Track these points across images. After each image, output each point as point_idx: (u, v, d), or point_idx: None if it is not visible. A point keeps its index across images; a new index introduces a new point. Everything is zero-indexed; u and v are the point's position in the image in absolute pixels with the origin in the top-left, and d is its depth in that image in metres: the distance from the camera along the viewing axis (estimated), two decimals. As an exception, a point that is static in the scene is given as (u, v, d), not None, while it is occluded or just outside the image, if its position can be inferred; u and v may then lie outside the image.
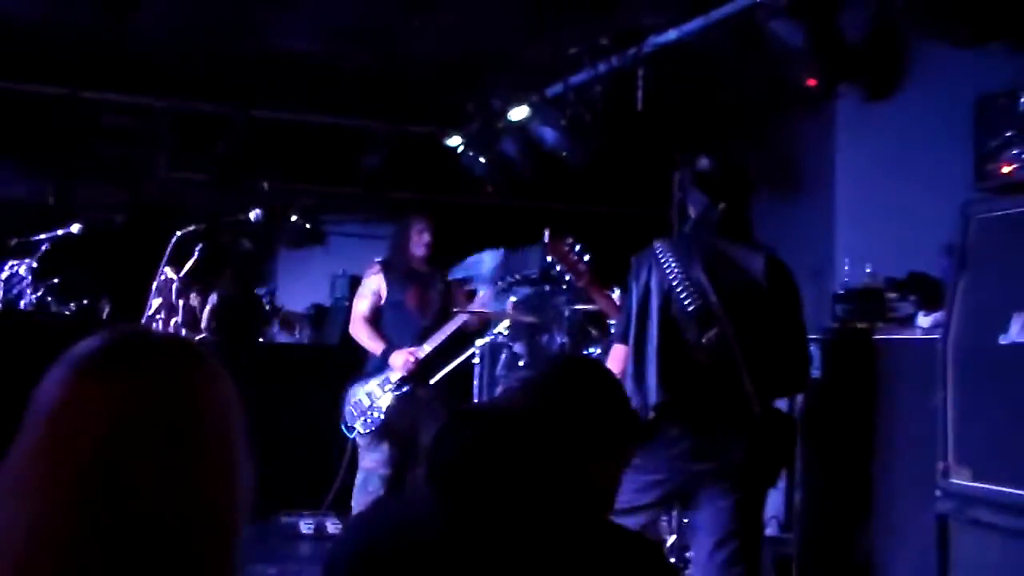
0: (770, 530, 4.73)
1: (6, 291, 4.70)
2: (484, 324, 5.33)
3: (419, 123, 7.09)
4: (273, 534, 5.86)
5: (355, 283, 5.59)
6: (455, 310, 5.12)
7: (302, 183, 7.63)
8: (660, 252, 3.49)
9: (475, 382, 5.49)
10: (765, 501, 3.57)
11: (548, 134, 5.98)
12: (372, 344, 5.06)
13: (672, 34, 5.15)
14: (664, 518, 4.33)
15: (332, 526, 6.00)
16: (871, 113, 5.35)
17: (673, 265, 3.43)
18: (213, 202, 6.74)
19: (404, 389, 4.96)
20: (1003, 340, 3.38)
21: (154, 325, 4.12)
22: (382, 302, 5.14)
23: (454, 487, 1.61)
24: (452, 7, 5.21)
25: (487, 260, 5.19)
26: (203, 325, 6.85)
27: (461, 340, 5.21)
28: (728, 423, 3.35)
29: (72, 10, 5.42)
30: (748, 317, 3.37)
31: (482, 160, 6.59)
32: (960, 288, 3.60)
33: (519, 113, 6.22)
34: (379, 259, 5.30)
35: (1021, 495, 3.27)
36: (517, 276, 5.03)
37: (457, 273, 5.20)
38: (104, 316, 5.85)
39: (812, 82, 4.66)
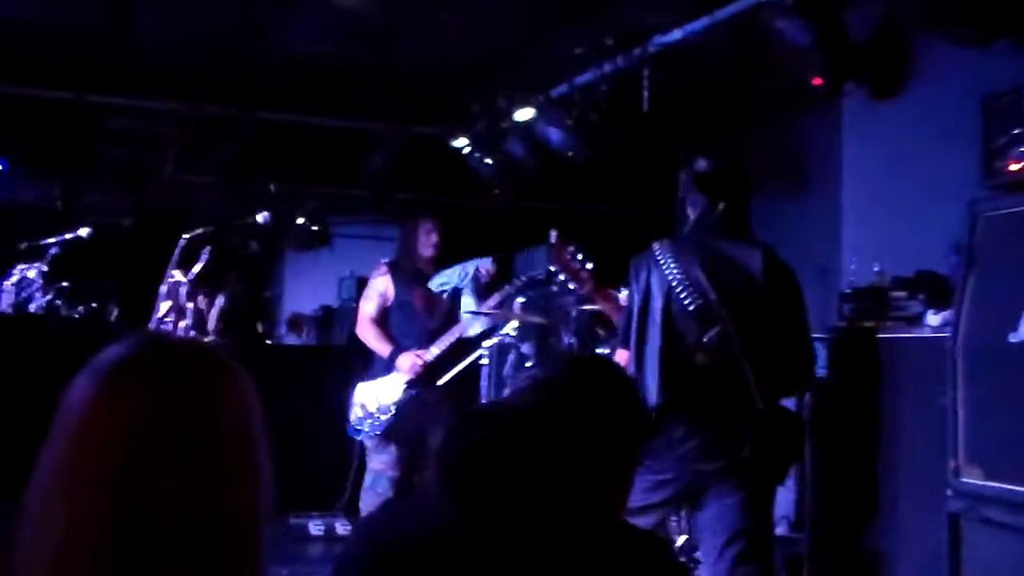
0: (781, 529, 4.73)
1: (17, 295, 4.72)
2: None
3: (425, 124, 7.08)
4: (283, 535, 5.87)
5: (362, 284, 5.60)
6: (467, 311, 5.13)
7: (308, 185, 7.64)
8: (659, 253, 3.50)
9: (483, 383, 5.49)
10: (774, 498, 3.57)
11: (554, 134, 5.97)
12: (379, 346, 5.06)
13: (677, 34, 5.15)
14: (674, 518, 4.33)
15: (342, 527, 6.01)
16: (877, 112, 5.34)
17: (672, 266, 3.44)
18: (220, 205, 6.76)
19: (411, 391, 4.96)
20: (1012, 338, 3.37)
21: (163, 328, 4.13)
22: (389, 303, 5.14)
23: (464, 488, 1.61)
24: (457, 8, 5.22)
25: (469, 269, 5.19)
26: (210, 327, 6.87)
27: (468, 341, 5.21)
28: (733, 421, 3.35)
29: (78, 14, 5.43)
30: (748, 315, 3.38)
31: (488, 161, 6.59)
32: (969, 286, 3.59)
33: (525, 114, 6.21)
34: (386, 260, 5.30)
35: (1032, 493, 3.27)
36: (524, 279, 5.03)
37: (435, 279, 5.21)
38: (112, 319, 5.87)
39: (818, 81, 4.65)
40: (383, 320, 5.14)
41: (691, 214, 3.63)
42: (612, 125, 5.76)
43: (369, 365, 5.18)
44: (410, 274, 5.17)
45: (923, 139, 5.02)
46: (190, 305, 4.19)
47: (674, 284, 3.42)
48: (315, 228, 7.77)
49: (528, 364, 5.49)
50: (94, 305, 5.29)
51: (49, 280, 4.87)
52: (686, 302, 3.39)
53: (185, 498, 1.02)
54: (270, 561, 1.10)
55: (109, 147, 6.58)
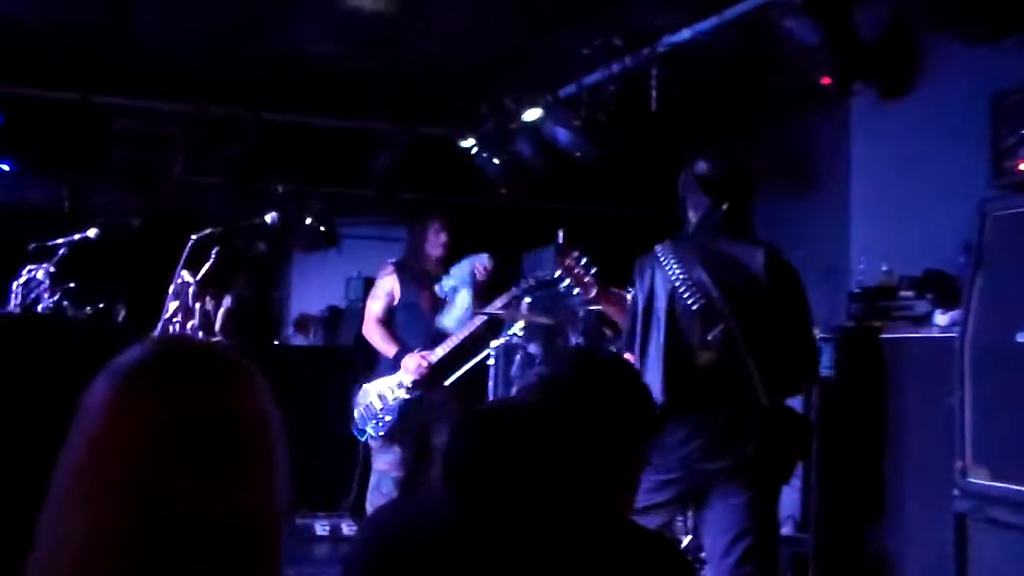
0: (786, 529, 4.72)
1: (25, 295, 4.73)
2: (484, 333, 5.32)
3: (432, 124, 7.09)
4: (288, 535, 5.86)
5: (369, 285, 5.61)
6: (474, 312, 5.13)
7: (316, 186, 7.65)
8: (661, 254, 3.52)
9: (490, 383, 5.49)
10: (779, 497, 3.57)
11: (562, 134, 5.97)
12: (385, 346, 5.06)
13: (686, 33, 5.14)
14: (680, 518, 4.33)
15: (347, 528, 6.02)
16: (886, 111, 5.33)
17: (675, 266, 3.46)
18: (227, 205, 6.76)
19: (415, 392, 4.97)
20: (1020, 338, 3.36)
21: (171, 328, 4.14)
22: (395, 303, 5.15)
23: (470, 487, 1.61)
24: (465, 8, 5.22)
25: (465, 266, 5.19)
26: (217, 328, 6.88)
27: (476, 341, 5.21)
28: (738, 419, 3.36)
29: (85, 15, 5.45)
30: (752, 313, 3.39)
31: (496, 161, 6.59)
32: (977, 286, 3.58)
33: (532, 114, 6.21)
34: (393, 260, 5.31)
35: (1040, 494, 3.26)
36: (531, 281, 5.03)
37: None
38: (120, 320, 5.88)
39: (827, 80, 4.64)
40: (389, 320, 5.15)
41: (692, 215, 3.64)
42: (620, 125, 5.76)
43: (374, 365, 5.19)
44: (417, 274, 5.17)
45: (932, 138, 5.01)
46: (198, 306, 4.20)
47: (677, 284, 3.43)
48: (322, 229, 7.78)
49: (536, 364, 5.49)
50: (101, 306, 5.30)
51: (57, 281, 4.89)
52: (689, 302, 3.40)
53: (203, 499, 1.03)
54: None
55: (116, 148, 6.59)
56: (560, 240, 6.57)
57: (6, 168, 6.51)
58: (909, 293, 4.24)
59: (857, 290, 4.54)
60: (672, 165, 3.84)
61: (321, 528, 6.11)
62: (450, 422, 4.69)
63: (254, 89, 6.49)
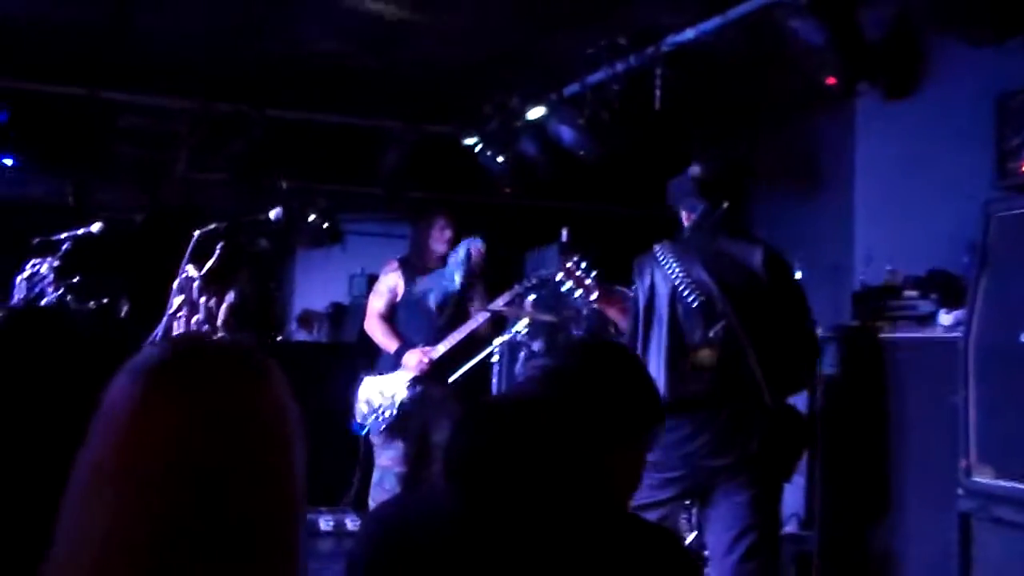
0: (791, 527, 4.73)
1: (29, 290, 4.75)
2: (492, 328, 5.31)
3: (437, 123, 7.09)
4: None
5: (373, 282, 5.61)
6: (477, 309, 5.13)
7: (320, 183, 7.65)
8: (660, 254, 3.55)
9: (494, 380, 5.50)
10: (781, 495, 3.58)
11: (566, 133, 5.97)
12: (386, 342, 5.07)
13: (690, 33, 5.14)
14: (684, 515, 4.34)
15: (351, 523, 6.03)
16: (891, 111, 5.33)
17: (674, 265, 3.49)
18: (231, 202, 6.77)
19: (416, 388, 4.97)
20: (1025, 338, 3.37)
21: (176, 323, 4.15)
22: (398, 299, 5.16)
23: (472, 482, 1.61)
24: (469, 6, 5.22)
25: (460, 250, 5.17)
26: (219, 323, 6.88)
27: (479, 339, 5.21)
28: (742, 416, 3.37)
29: (90, 11, 5.45)
30: (752, 309, 3.43)
31: (500, 159, 6.59)
32: (981, 286, 3.59)
33: (537, 112, 6.22)
34: (397, 257, 5.33)
35: (1044, 493, 3.26)
36: (535, 280, 5.04)
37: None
38: (122, 315, 5.89)
39: (831, 80, 4.64)
40: (392, 316, 5.16)
41: (686, 218, 3.69)
42: (624, 124, 5.76)
43: (376, 361, 5.20)
44: (421, 271, 5.18)
45: (936, 139, 5.01)
46: (202, 300, 4.21)
47: (677, 283, 3.46)
48: (326, 225, 7.78)
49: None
50: (105, 301, 5.31)
51: (60, 275, 4.90)
52: (690, 299, 3.43)
53: (227, 497, 1.04)
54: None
55: (121, 144, 6.59)
56: (564, 239, 6.59)
57: (10, 163, 6.52)
58: (913, 293, 4.24)
59: (860, 290, 4.54)
60: (676, 164, 3.87)
61: (325, 523, 6.12)
62: (451, 418, 4.70)
63: (259, 86, 6.49)
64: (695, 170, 3.70)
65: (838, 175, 5.88)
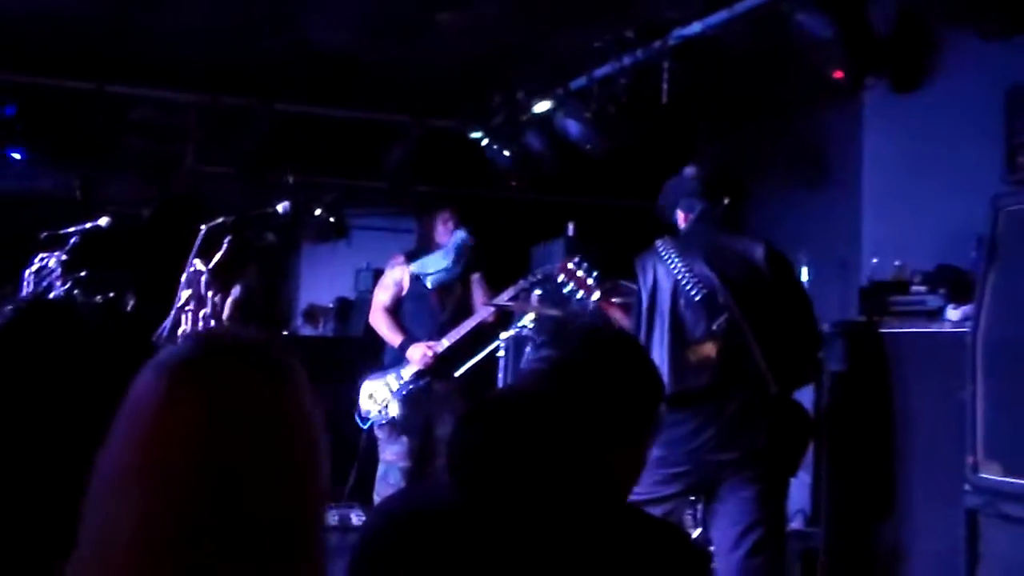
0: (796, 523, 4.72)
1: (37, 283, 4.76)
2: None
3: (443, 116, 7.09)
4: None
5: (379, 276, 5.62)
6: (483, 303, 5.13)
7: (326, 177, 7.65)
8: (662, 250, 3.56)
9: (500, 375, 5.50)
10: (788, 490, 3.58)
11: (572, 127, 5.96)
12: (391, 335, 5.08)
13: (697, 26, 5.13)
14: (689, 511, 4.34)
15: (356, 517, 6.03)
16: (899, 105, 5.31)
17: (676, 260, 3.49)
18: (239, 196, 6.77)
19: (420, 382, 4.97)
20: (1034, 333, 3.36)
21: (183, 317, 4.16)
22: (403, 293, 5.17)
23: (475, 476, 1.61)
24: (477, 1, 5.21)
25: (456, 238, 5.17)
26: (224, 317, 6.88)
27: (485, 333, 5.21)
28: (748, 410, 3.38)
29: (97, 5, 5.46)
30: (755, 302, 3.44)
31: (506, 153, 6.58)
32: (990, 281, 3.58)
33: (543, 106, 6.21)
34: (403, 251, 5.33)
35: (1052, 489, 3.25)
36: (540, 275, 5.03)
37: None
38: (128, 309, 5.89)
39: (839, 74, 4.62)
40: (397, 310, 5.16)
41: (684, 218, 3.71)
42: (631, 118, 5.75)
43: (381, 354, 5.20)
44: (425, 264, 5.18)
45: (945, 133, 4.99)
46: (209, 294, 4.22)
47: (679, 277, 3.47)
48: (332, 220, 7.78)
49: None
50: (111, 294, 5.32)
51: (68, 269, 4.90)
52: (692, 293, 3.44)
53: (251, 494, 1.04)
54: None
55: (130, 138, 6.60)
56: (570, 233, 6.59)
57: (19, 157, 6.53)
58: (921, 288, 4.23)
59: (868, 284, 4.53)
60: (683, 158, 3.88)
61: (330, 518, 6.13)
62: (455, 413, 4.70)
63: (267, 81, 6.49)
64: (692, 171, 3.74)
65: (845, 169, 5.86)
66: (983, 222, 3.65)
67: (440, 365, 5.00)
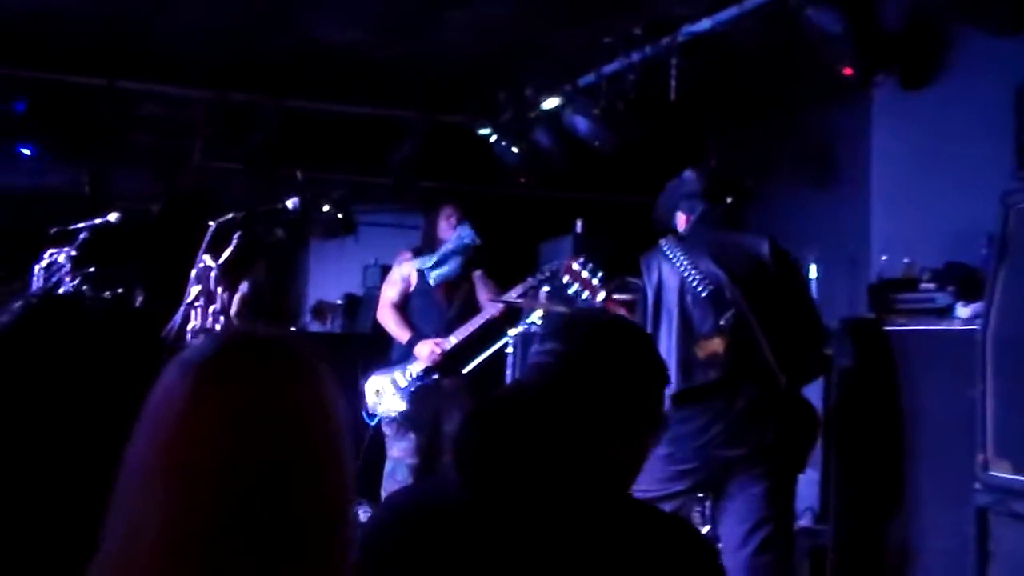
0: (805, 521, 4.71)
1: (46, 279, 4.77)
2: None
3: (451, 113, 7.08)
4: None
5: (387, 272, 5.63)
6: (490, 299, 5.13)
7: (334, 173, 7.66)
8: (667, 248, 3.56)
9: (508, 371, 5.50)
10: (796, 487, 3.58)
11: (581, 123, 5.96)
12: (398, 331, 5.08)
13: (706, 23, 5.12)
14: (697, 508, 4.34)
15: (363, 513, 6.03)
16: (908, 102, 5.29)
17: (681, 258, 3.50)
18: (247, 192, 6.78)
19: (428, 379, 4.98)
20: (1044, 331, 3.34)
21: (193, 312, 4.17)
22: (411, 289, 5.17)
23: (481, 471, 1.61)
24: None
25: (460, 233, 5.16)
26: (232, 313, 6.89)
27: (493, 329, 5.21)
28: (756, 406, 3.37)
29: (108, 2, 5.46)
30: (761, 296, 3.45)
31: (514, 150, 6.58)
32: (1000, 278, 3.56)
33: (551, 102, 6.20)
34: (411, 247, 5.34)
35: (1062, 488, 3.24)
36: (548, 272, 5.03)
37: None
38: (138, 304, 5.89)
39: (848, 71, 4.61)
40: (404, 306, 5.16)
41: (685, 220, 3.72)
42: (639, 114, 5.74)
43: (389, 351, 5.20)
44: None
45: (954, 130, 4.97)
46: (219, 290, 4.23)
47: (685, 274, 3.48)
48: (340, 216, 7.78)
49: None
50: (120, 290, 5.33)
51: (78, 265, 4.92)
52: (698, 289, 3.45)
53: (277, 492, 1.04)
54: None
55: (139, 134, 6.62)
56: (578, 230, 6.58)
57: (29, 153, 6.54)
58: (931, 285, 4.21)
59: (877, 282, 4.51)
60: (692, 154, 3.88)
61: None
62: (463, 409, 4.70)
63: (275, 77, 6.50)
64: (692, 174, 3.76)
65: (854, 166, 5.85)
66: (993, 219, 3.64)
67: (448, 361, 5.00)
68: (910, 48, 5.03)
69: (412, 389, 4.98)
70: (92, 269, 4.98)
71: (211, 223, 4.44)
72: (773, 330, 3.40)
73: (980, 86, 4.82)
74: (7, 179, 7.35)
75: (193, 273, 4.23)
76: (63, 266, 4.81)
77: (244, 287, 7.19)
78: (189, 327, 4.23)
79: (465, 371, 5.06)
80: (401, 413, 4.97)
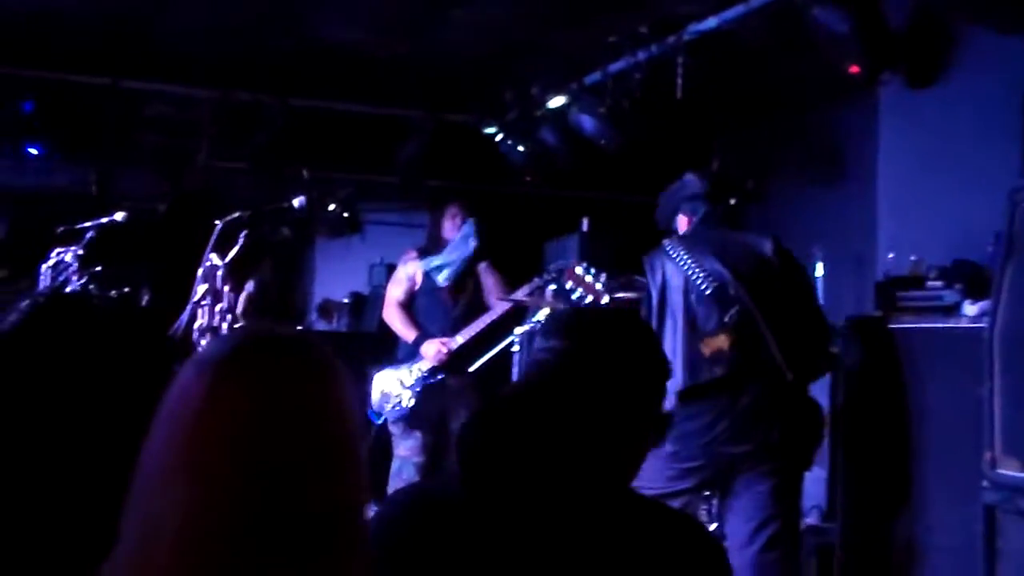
0: (812, 519, 4.71)
1: (53, 278, 4.79)
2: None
3: (457, 112, 7.09)
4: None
5: (392, 271, 5.63)
6: (498, 298, 5.13)
7: (340, 172, 7.66)
8: (670, 248, 3.57)
9: (514, 370, 5.49)
10: (802, 484, 3.58)
11: (587, 122, 5.96)
12: (404, 331, 5.09)
13: (712, 21, 5.12)
14: (704, 506, 4.34)
15: (370, 512, 6.04)
16: (915, 100, 5.28)
17: (685, 256, 3.50)
18: (253, 191, 6.79)
19: (434, 378, 4.98)
20: (1052, 329, 3.33)
21: (200, 311, 4.17)
22: (416, 288, 5.17)
23: (485, 469, 1.61)
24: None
25: (465, 232, 5.17)
26: (238, 312, 6.89)
27: (499, 328, 5.21)
28: (762, 403, 3.37)
29: (114, 1, 5.47)
30: (767, 293, 3.45)
31: (520, 148, 6.58)
32: (1007, 276, 3.55)
33: (557, 101, 6.21)
34: (417, 246, 5.34)
35: (1070, 486, 3.23)
36: (555, 271, 5.03)
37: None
38: (144, 304, 5.91)
39: (855, 69, 4.60)
40: (410, 306, 5.17)
41: (687, 222, 3.73)
42: (645, 113, 5.74)
43: (395, 350, 5.21)
44: (437, 259, 5.18)
45: (961, 128, 4.96)
46: (226, 288, 4.23)
47: (689, 272, 3.48)
48: (346, 215, 7.78)
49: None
50: (127, 289, 5.34)
51: (85, 264, 4.93)
52: (702, 287, 3.45)
53: (295, 491, 1.05)
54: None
55: (145, 133, 6.63)
56: (584, 228, 6.58)
57: (36, 152, 6.56)
58: (938, 283, 4.21)
59: (884, 280, 4.51)
60: (697, 153, 3.88)
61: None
62: (469, 408, 4.71)
63: (281, 76, 6.51)
64: (693, 176, 3.77)
65: (861, 165, 5.84)
66: (1000, 217, 3.62)
67: (454, 360, 5.00)
68: (916, 47, 5.02)
69: (418, 388, 4.98)
70: (99, 268, 4.99)
71: (217, 222, 4.44)
72: (779, 326, 3.41)
73: (987, 84, 4.81)
74: (14, 179, 7.36)
75: (199, 272, 4.23)
76: (70, 265, 4.83)
77: (250, 286, 7.19)
78: (196, 326, 4.24)
79: (471, 370, 5.06)
80: (408, 412, 4.97)
